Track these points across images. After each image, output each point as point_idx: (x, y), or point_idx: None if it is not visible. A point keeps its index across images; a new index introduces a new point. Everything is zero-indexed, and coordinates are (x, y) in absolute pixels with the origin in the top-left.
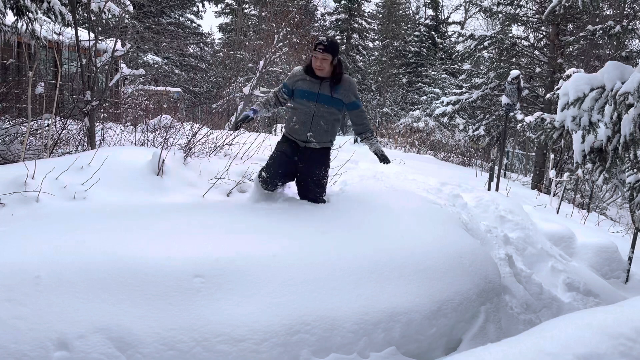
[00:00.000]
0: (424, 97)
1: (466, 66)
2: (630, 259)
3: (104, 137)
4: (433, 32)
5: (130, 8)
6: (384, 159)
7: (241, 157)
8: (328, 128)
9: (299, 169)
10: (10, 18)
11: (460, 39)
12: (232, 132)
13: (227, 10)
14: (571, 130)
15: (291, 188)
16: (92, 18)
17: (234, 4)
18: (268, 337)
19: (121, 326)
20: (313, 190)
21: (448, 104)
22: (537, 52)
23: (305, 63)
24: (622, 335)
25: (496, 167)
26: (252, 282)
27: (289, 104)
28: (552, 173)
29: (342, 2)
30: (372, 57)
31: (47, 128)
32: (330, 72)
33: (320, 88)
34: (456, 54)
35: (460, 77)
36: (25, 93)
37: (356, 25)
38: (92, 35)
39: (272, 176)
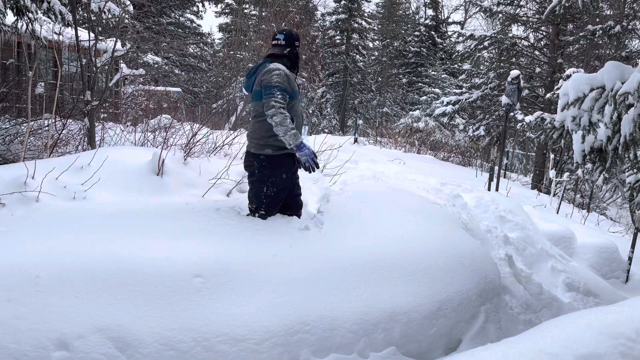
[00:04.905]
0: (424, 97)
1: (466, 66)
2: (630, 259)
3: (104, 137)
4: (433, 32)
5: (130, 8)
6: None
7: (241, 157)
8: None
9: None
10: (10, 18)
11: (460, 39)
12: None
13: (227, 10)
14: (571, 130)
15: None
16: (92, 18)
17: (234, 4)
18: (268, 337)
19: (121, 326)
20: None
21: (448, 104)
22: (537, 52)
23: (297, 60)
24: (622, 335)
25: (496, 167)
26: (252, 282)
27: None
28: (552, 173)
29: (342, 2)
30: (372, 57)
31: (47, 128)
32: None
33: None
34: (456, 54)
35: (460, 77)
36: (25, 93)
37: (356, 25)
38: (92, 35)
39: (275, 209)
